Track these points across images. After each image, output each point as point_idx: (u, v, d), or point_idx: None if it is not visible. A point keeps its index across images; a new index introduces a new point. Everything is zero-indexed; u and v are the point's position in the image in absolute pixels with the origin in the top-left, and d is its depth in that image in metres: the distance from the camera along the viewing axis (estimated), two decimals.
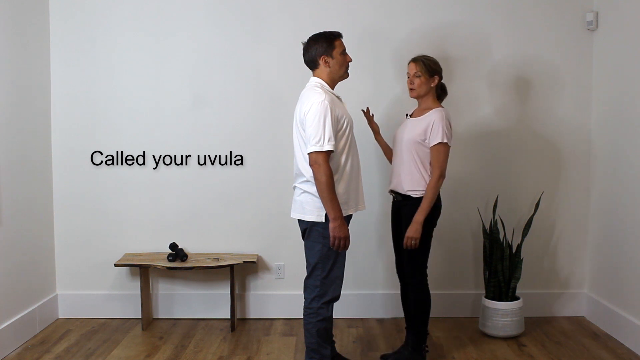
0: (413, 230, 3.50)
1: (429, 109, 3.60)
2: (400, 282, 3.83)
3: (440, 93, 3.72)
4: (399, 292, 3.87)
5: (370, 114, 4.00)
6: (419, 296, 3.66)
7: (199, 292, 4.57)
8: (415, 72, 3.59)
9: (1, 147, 3.87)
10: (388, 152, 3.95)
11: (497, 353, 3.93)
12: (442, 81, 3.72)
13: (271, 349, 4.03)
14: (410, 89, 3.64)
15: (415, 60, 3.63)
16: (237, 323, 4.46)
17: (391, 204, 3.79)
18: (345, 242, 3.22)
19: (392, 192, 3.72)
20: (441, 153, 3.50)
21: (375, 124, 4.00)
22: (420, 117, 3.60)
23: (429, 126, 3.50)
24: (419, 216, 3.50)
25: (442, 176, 3.53)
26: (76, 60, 4.47)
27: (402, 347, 3.79)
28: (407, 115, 3.76)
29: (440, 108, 3.59)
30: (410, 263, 3.62)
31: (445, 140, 3.49)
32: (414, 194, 3.54)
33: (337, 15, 4.39)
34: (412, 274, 3.64)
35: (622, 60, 4.10)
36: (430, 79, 3.59)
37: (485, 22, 4.45)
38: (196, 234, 4.55)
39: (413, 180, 3.54)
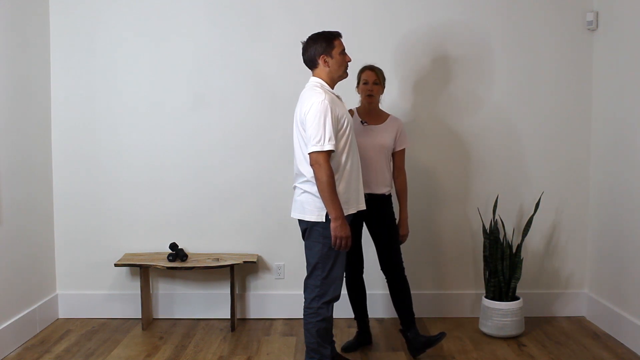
0: (406, 227, 3.92)
1: (386, 116, 3.85)
2: (388, 277, 3.87)
3: None
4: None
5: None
6: (407, 283, 3.85)
7: (199, 292, 4.57)
8: (375, 80, 3.79)
9: (1, 146, 3.87)
10: None
11: (497, 353, 3.93)
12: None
13: (271, 349, 4.03)
14: (370, 96, 3.79)
15: (372, 68, 3.81)
16: (237, 323, 4.46)
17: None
18: (347, 241, 3.22)
19: (367, 194, 3.71)
20: (404, 155, 3.91)
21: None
22: (383, 124, 3.81)
23: (398, 132, 3.82)
24: (406, 214, 3.92)
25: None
26: (76, 60, 4.47)
27: (413, 336, 3.81)
28: (362, 122, 3.80)
29: (396, 117, 3.93)
30: (397, 254, 3.84)
31: (409, 145, 3.93)
32: (388, 192, 3.82)
33: (337, 15, 4.39)
34: (400, 263, 3.83)
35: (622, 60, 4.10)
36: (383, 88, 3.85)
37: (485, 22, 4.44)
38: (196, 234, 4.54)
39: (387, 181, 3.81)
